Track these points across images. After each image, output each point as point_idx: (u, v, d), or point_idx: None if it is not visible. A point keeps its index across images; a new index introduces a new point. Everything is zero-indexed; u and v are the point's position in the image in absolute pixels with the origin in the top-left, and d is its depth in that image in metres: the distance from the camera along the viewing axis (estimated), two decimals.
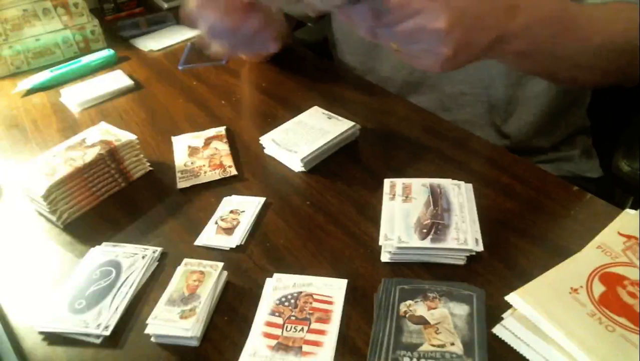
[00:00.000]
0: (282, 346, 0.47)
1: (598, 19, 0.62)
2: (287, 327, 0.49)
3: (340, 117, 0.72)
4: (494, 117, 0.82)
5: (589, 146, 0.89)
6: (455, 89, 0.82)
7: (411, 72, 0.84)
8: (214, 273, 0.53)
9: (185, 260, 0.55)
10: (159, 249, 0.59)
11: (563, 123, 0.85)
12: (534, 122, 0.82)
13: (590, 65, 0.64)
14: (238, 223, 0.61)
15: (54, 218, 0.64)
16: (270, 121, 0.76)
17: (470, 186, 0.61)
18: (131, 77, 0.95)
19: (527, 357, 0.44)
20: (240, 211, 0.62)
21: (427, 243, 0.53)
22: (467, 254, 0.53)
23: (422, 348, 0.45)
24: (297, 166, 0.68)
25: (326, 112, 0.73)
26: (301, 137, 0.70)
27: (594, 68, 0.65)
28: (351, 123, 0.71)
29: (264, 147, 0.72)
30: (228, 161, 0.71)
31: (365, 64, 0.91)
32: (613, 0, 0.64)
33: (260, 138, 0.72)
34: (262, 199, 0.64)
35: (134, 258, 0.57)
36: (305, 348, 0.47)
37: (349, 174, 0.67)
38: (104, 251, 0.59)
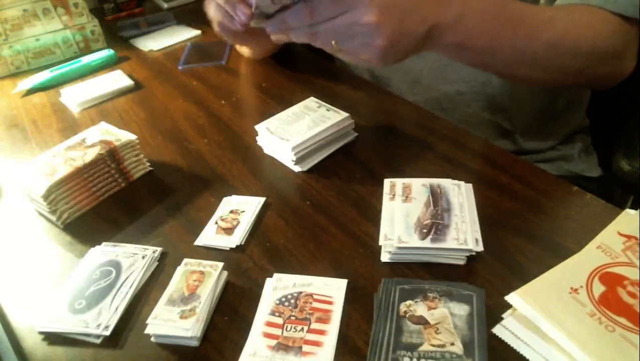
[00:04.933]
0: (282, 346, 0.47)
1: (546, 17, 0.62)
2: (287, 327, 0.49)
3: (337, 110, 0.72)
4: (491, 116, 0.82)
5: (587, 144, 0.88)
6: (452, 89, 0.82)
7: (405, 72, 0.84)
8: (214, 273, 0.53)
9: (185, 260, 0.55)
10: (159, 249, 0.59)
11: (562, 122, 0.85)
12: (532, 121, 0.82)
13: (542, 64, 0.63)
14: (238, 223, 0.61)
15: (54, 218, 0.64)
16: None
17: (470, 186, 0.61)
18: (131, 77, 0.96)
19: (527, 357, 0.44)
20: (240, 211, 0.62)
21: (427, 243, 0.53)
22: (467, 254, 0.53)
23: (422, 348, 0.45)
24: (291, 158, 0.67)
25: (323, 103, 0.73)
26: (295, 127, 0.69)
27: (548, 67, 0.64)
28: (345, 114, 0.70)
29: (262, 147, 0.72)
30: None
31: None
32: (574, 2, 0.64)
33: (255, 126, 0.72)
34: (262, 199, 0.64)
35: (134, 258, 0.57)
36: (305, 348, 0.47)
37: (349, 174, 0.67)
38: (104, 251, 0.59)
